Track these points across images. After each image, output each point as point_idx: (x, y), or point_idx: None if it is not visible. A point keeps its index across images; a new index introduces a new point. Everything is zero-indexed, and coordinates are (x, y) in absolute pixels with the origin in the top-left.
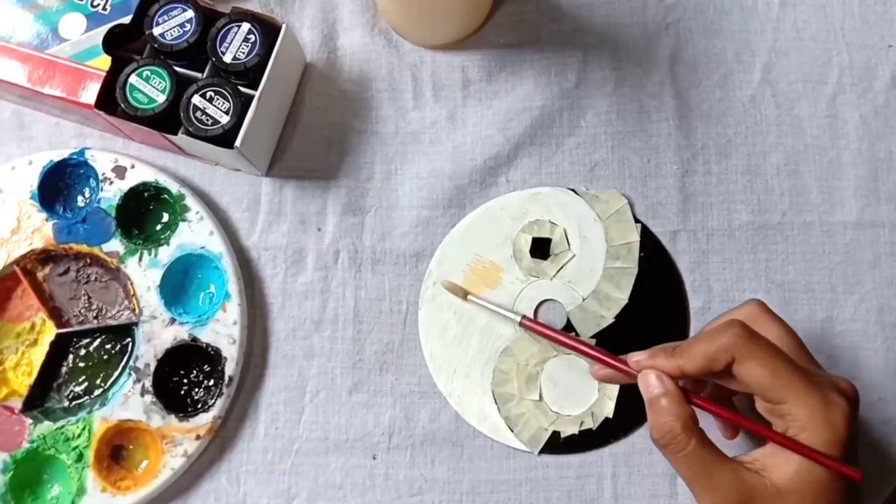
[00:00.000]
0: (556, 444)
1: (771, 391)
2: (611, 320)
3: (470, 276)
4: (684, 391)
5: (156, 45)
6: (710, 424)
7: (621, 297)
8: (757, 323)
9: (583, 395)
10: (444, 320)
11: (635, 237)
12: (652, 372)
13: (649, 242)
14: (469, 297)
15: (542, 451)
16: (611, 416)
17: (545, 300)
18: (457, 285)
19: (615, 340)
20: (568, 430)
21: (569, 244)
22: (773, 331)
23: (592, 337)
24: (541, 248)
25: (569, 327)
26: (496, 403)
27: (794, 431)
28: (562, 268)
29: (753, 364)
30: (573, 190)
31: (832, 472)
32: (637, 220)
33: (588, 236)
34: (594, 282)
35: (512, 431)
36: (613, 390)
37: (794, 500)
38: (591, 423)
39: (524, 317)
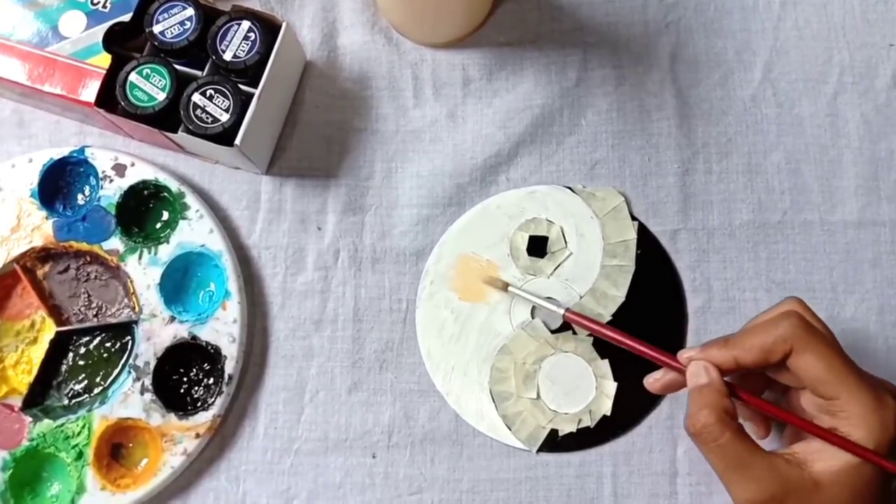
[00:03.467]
0: (554, 443)
1: (826, 385)
2: (608, 318)
3: (467, 274)
4: (730, 386)
5: (156, 43)
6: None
7: (618, 294)
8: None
9: (580, 393)
10: (442, 319)
11: (632, 235)
12: (700, 362)
13: (646, 240)
14: (510, 288)
15: (540, 450)
16: (609, 413)
17: (543, 298)
18: (497, 278)
19: None
20: (566, 428)
21: (566, 242)
22: (818, 326)
23: (590, 335)
24: (538, 246)
25: (566, 325)
26: (494, 402)
27: (845, 429)
28: (559, 266)
29: (811, 357)
30: (570, 188)
31: (875, 470)
32: (634, 218)
33: (585, 234)
34: (591, 280)
35: (510, 430)
36: (611, 388)
37: (834, 494)
38: (588, 421)
39: (568, 309)
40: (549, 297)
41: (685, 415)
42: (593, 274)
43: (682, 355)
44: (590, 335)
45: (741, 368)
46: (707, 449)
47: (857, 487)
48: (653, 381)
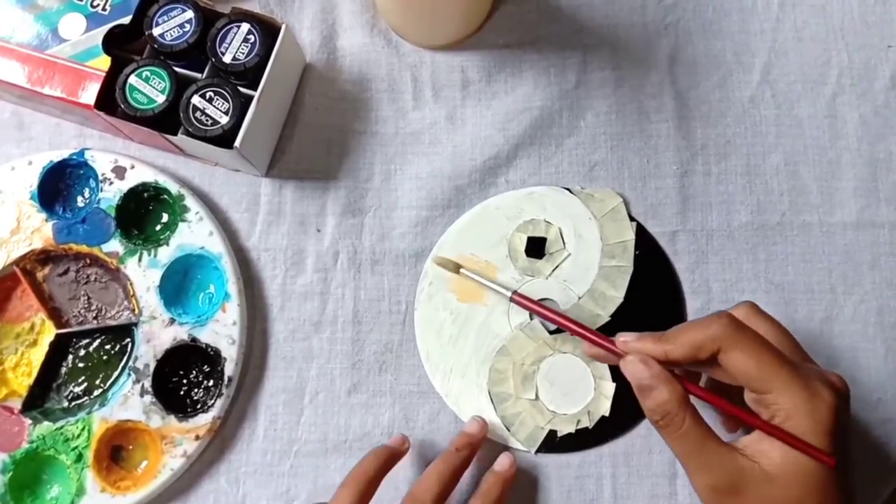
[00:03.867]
0: (553, 443)
1: (756, 381)
2: (606, 318)
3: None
4: (675, 376)
5: (155, 46)
6: (711, 419)
7: (617, 295)
8: (748, 321)
9: (579, 393)
10: (440, 320)
11: (630, 235)
12: (636, 358)
13: (645, 241)
14: (462, 270)
15: (539, 450)
16: (607, 414)
17: (541, 299)
18: (448, 260)
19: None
20: (564, 428)
21: (564, 243)
22: (763, 328)
23: None
24: (536, 247)
25: None
26: (492, 403)
27: (779, 420)
28: (557, 267)
29: (739, 354)
30: (568, 189)
31: (818, 462)
32: (632, 219)
33: (583, 235)
34: (589, 280)
35: (508, 430)
36: (610, 389)
37: (783, 485)
38: (587, 422)
39: (515, 292)
40: (498, 283)
41: (644, 409)
42: (591, 275)
43: (619, 339)
44: None
45: (671, 363)
46: (670, 438)
47: (806, 479)
48: (587, 345)
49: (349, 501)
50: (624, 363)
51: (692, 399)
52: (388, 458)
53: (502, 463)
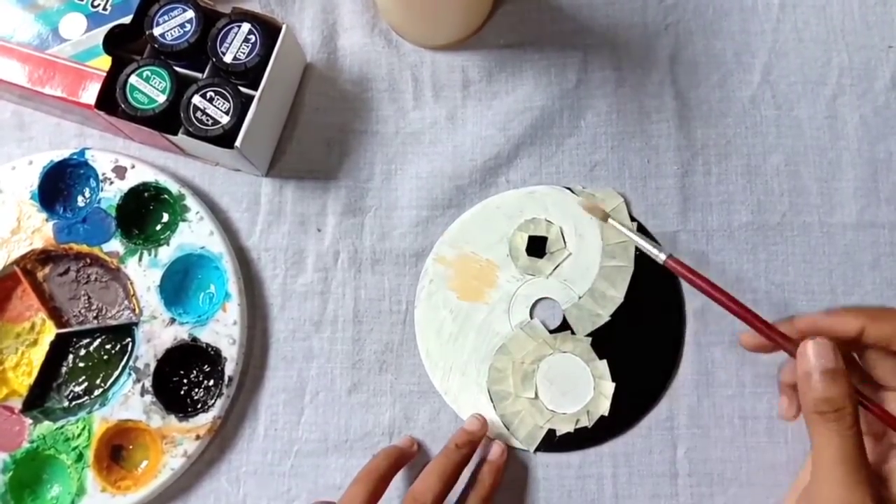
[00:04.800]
0: (552, 443)
1: None
2: (606, 318)
3: (466, 273)
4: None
5: (156, 46)
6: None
7: (617, 295)
8: None
9: (578, 393)
10: (440, 319)
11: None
12: (828, 343)
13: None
14: (609, 220)
15: (538, 449)
16: (606, 414)
17: (541, 298)
18: (597, 206)
19: (611, 338)
20: (563, 428)
21: (565, 242)
22: None
23: (589, 335)
24: (537, 247)
25: (565, 326)
26: (492, 401)
27: None
28: (558, 266)
29: None
30: (569, 188)
31: None
32: (633, 219)
33: (584, 235)
34: (590, 280)
35: (508, 429)
36: (609, 389)
37: None
38: (586, 422)
39: (670, 255)
40: (650, 240)
41: (810, 395)
42: (592, 274)
43: (800, 322)
44: (588, 335)
45: (861, 341)
46: (832, 433)
47: None
48: (749, 337)
49: (361, 497)
50: (812, 344)
51: None
52: (399, 458)
53: (493, 451)
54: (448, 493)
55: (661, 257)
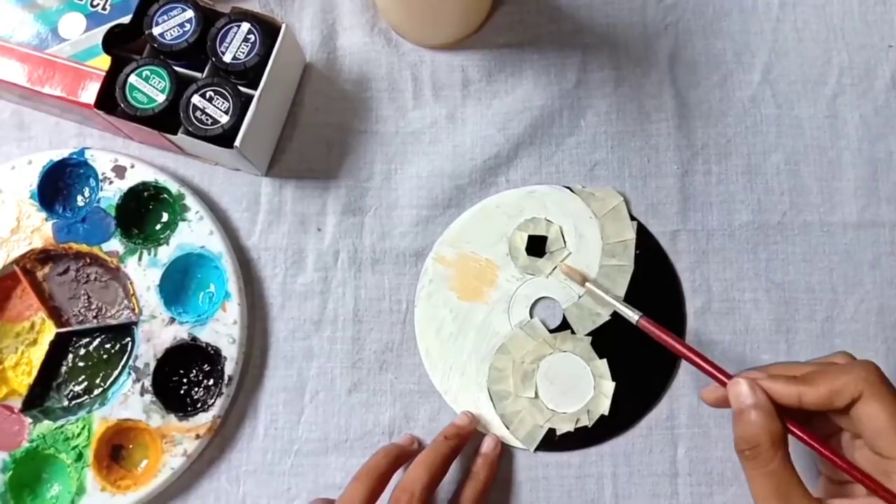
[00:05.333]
0: (552, 442)
1: (886, 441)
2: (606, 318)
3: (465, 273)
4: (782, 419)
5: (155, 45)
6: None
7: (617, 294)
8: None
9: (578, 392)
10: (440, 318)
11: (631, 234)
12: (744, 381)
13: (646, 240)
14: (587, 284)
15: (538, 449)
16: (607, 413)
17: (541, 298)
18: (576, 270)
19: (611, 338)
20: (563, 427)
21: (565, 242)
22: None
23: (588, 335)
24: (536, 246)
25: (565, 325)
26: (492, 401)
27: None
28: (557, 265)
29: (878, 406)
30: (569, 188)
31: None
32: (633, 218)
33: (584, 234)
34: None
35: (508, 429)
36: (609, 388)
37: None
38: (586, 421)
39: (642, 316)
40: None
41: (734, 435)
42: (592, 274)
43: (744, 376)
44: (588, 335)
45: (802, 406)
46: (756, 474)
47: None
48: (708, 392)
49: (361, 495)
50: (730, 385)
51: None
52: (399, 456)
53: (487, 444)
54: (437, 484)
55: (633, 318)
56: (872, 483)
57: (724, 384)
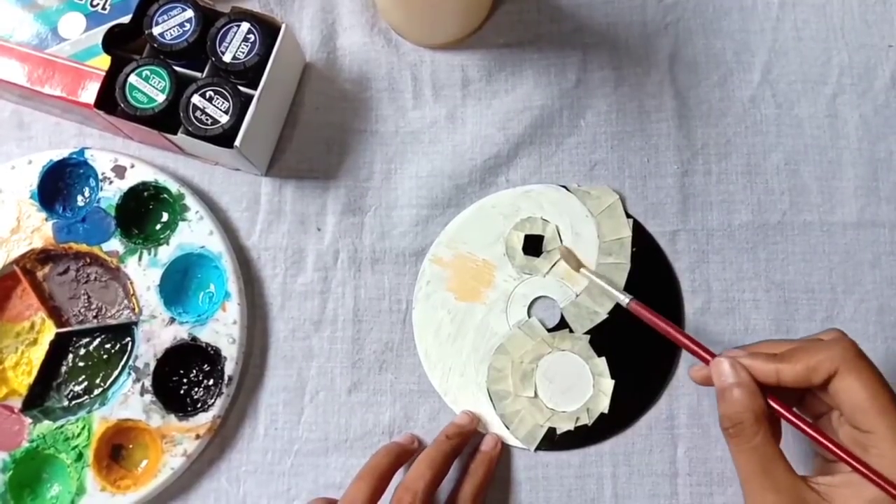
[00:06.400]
0: (552, 441)
1: (864, 415)
2: (604, 316)
3: (463, 274)
4: (764, 396)
5: (155, 45)
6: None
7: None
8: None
9: (578, 391)
10: (438, 319)
11: (627, 233)
12: (725, 360)
13: (642, 238)
14: (582, 269)
15: (539, 448)
16: (606, 411)
17: (539, 297)
18: (573, 254)
19: (609, 336)
20: (564, 426)
21: (561, 240)
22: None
23: (587, 333)
24: (533, 245)
25: (563, 324)
26: (491, 401)
27: (875, 466)
28: (554, 264)
29: (856, 382)
30: (564, 186)
31: None
32: (629, 216)
33: (580, 232)
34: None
35: (508, 429)
36: (609, 386)
37: None
38: (586, 419)
39: (633, 299)
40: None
41: (718, 413)
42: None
43: (727, 354)
44: (587, 333)
45: (780, 384)
46: (738, 450)
47: None
48: (695, 370)
49: (364, 494)
50: (713, 363)
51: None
52: (400, 455)
53: (487, 442)
54: (439, 483)
55: (624, 301)
56: (850, 457)
57: (708, 363)
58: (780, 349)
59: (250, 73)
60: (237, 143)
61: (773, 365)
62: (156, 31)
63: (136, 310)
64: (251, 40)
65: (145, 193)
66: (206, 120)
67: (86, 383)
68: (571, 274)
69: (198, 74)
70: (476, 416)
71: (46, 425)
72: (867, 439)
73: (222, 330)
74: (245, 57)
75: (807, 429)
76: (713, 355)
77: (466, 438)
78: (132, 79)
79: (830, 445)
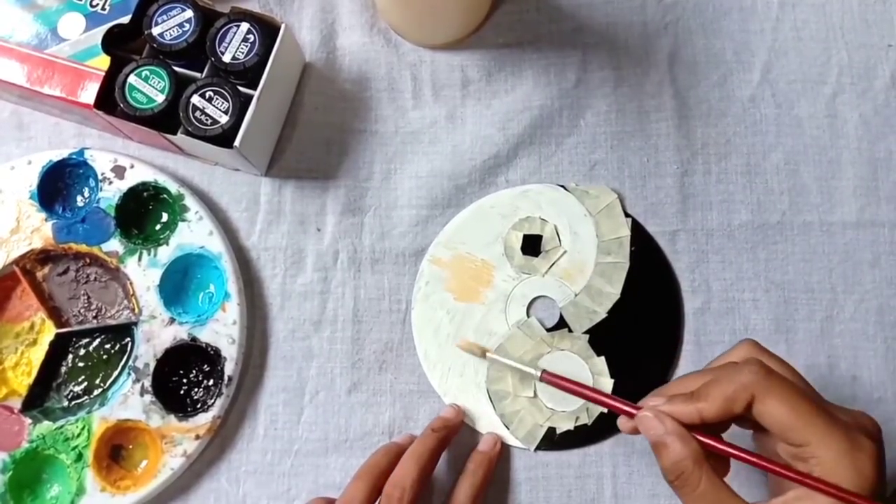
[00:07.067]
0: (552, 441)
1: (793, 431)
2: (603, 315)
3: (462, 274)
4: (692, 434)
5: (155, 45)
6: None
7: (613, 291)
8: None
9: None
10: (438, 320)
11: (626, 232)
12: (650, 413)
13: (641, 237)
14: (488, 354)
15: (539, 448)
16: (606, 411)
17: (537, 297)
18: (473, 344)
19: (608, 335)
20: (563, 426)
21: (560, 240)
22: (778, 369)
23: (586, 332)
24: (532, 245)
25: (562, 323)
26: (491, 401)
27: (819, 474)
28: (553, 264)
29: (774, 402)
30: (563, 186)
31: None
32: (627, 215)
33: (579, 232)
34: (586, 277)
35: (507, 429)
36: (608, 385)
37: None
38: (586, 419)
39: (544, 371)
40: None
41: (660, 468)
42: (588, 272)
43: (647, 406)
44: (586, 333)
45: (706, 422)
46: (689, 500)
47: None
48: (622, 422)
49: (362, 494)
50: (638, 419)
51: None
52: (398, 454)
53: (485, 442)
54: (428, 478)
55: (536, 374)
56: (792, 472)
57: (632, 417)
58: (695, 385)
59: (250, 73)
60: (237, 143)
61: (693, 405)
62: (155, 31)
63: (136, 310)
64: (251, 40)
65: (145, 194)
66: (206, 120)
67: (85, 384)
68: (570, 274)
69: (197, 75)
70: (462, 408)
71: (46, 426)
72: (803, 452)
73: (222, 330)
74: (245, 57)
75: (744, 455)
76: (637, 408)
77: (453, 432)
78: (132, 79)
79: (771, 466)
